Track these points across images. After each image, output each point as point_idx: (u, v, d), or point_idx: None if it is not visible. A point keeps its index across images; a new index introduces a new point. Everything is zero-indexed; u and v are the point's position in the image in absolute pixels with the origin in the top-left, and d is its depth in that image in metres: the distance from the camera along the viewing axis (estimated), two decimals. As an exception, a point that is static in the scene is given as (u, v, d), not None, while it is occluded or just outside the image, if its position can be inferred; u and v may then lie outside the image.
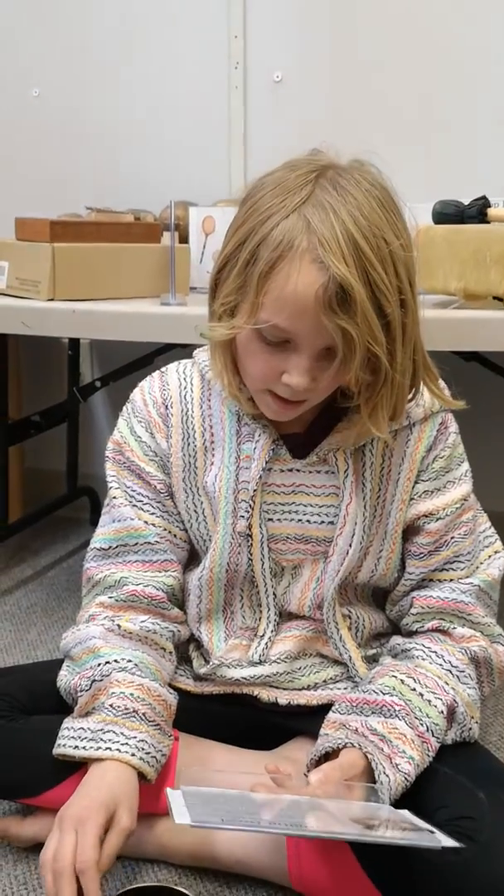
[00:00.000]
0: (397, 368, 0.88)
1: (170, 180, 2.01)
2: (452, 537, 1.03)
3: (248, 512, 1.02)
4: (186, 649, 1.13)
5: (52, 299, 1.47)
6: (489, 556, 1.07)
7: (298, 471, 1.02)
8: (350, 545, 1.01)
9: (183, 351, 1.60)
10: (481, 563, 1.06)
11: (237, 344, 0.93)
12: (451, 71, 1.83)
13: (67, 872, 0.83)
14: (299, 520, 1.03)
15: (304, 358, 0.88)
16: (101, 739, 0.93)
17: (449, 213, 1.38)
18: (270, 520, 1.03)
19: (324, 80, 1.92)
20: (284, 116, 1.96)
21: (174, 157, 2.06)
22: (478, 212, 1.35)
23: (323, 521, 1.02)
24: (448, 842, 0.78)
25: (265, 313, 0.87)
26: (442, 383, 0.98)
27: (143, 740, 0.94)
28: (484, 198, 1.37)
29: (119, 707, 0.95)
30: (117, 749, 0.92)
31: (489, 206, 1.36)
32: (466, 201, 1.38)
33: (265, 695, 1.06)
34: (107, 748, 0.92)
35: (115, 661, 0.99)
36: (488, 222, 1.35)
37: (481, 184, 1.52)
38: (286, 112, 1.96)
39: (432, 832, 0.80)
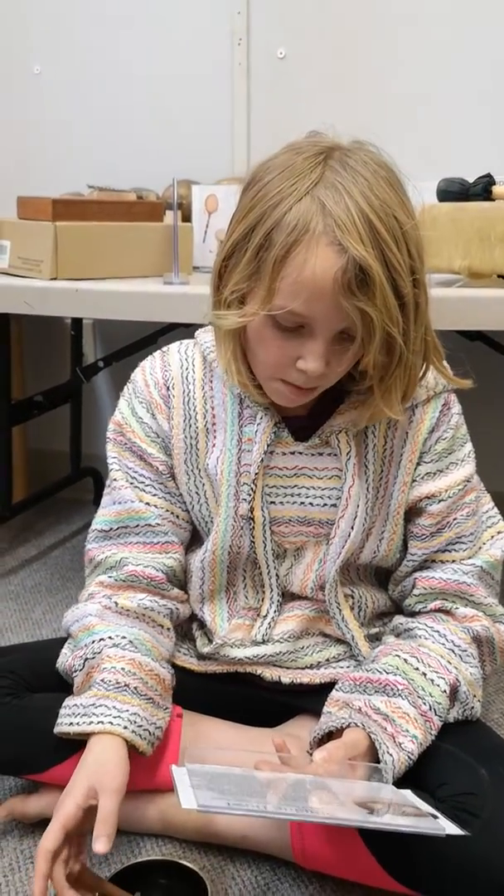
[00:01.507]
0: (411, 348, 0.88)
1: (172, 158, 1.99)
2: (455, 519, 1.03)
3: (250, 495, 1.02)
4: (190, 628, 1.14)
5: (54, 278, 1.47)
6: (492, 537, 1.07)
7: (301, 453, 1.02)
8: (352, 527, 1.01)
9: (186, 330, 1.60)
10: (484, 544, 1.06)
11: (248, 332, 0.92)
12: (456, 47, 1.81)
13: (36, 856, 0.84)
14: (301, 503, 1.02)
15: (319, 343, 0.87)
16: (94, 714, 0.94)
17: (453, 191, 1.36)
18: (272, 503, 1.03)
19: (328, 56, 1.90)
20: (288, 93, 1.94)
21: (177, 134, 2.04)
22: (483, 189, 1.34)
23: (325, 504, 1.02)
24: (452, 829, 0.78)
25: (281, 299, 0.85)
26: (445, 363, 0.97)
27: (135, 713, 0.94)
28: (489, 175, 1.36)
29: (110, 681, 0.96)
30: (109, 722, 0.93)
31: (494, 184, 1.35)
32: (471, 179, 1.37)
33: (268, 674, 1.06)
34: (98, 721, 0.93)
35: (109, 637, 0.99)
36: (493, 200, 1.33)
37: (487, 161, 1.51)
38: (290, 89, 1.94)
39: (436, 817, 0.81)
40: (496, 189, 1.34)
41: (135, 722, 0.94)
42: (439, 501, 1.02)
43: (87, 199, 1.69)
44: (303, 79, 1.93)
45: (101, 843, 0.81)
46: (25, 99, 2.18)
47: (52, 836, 0.83)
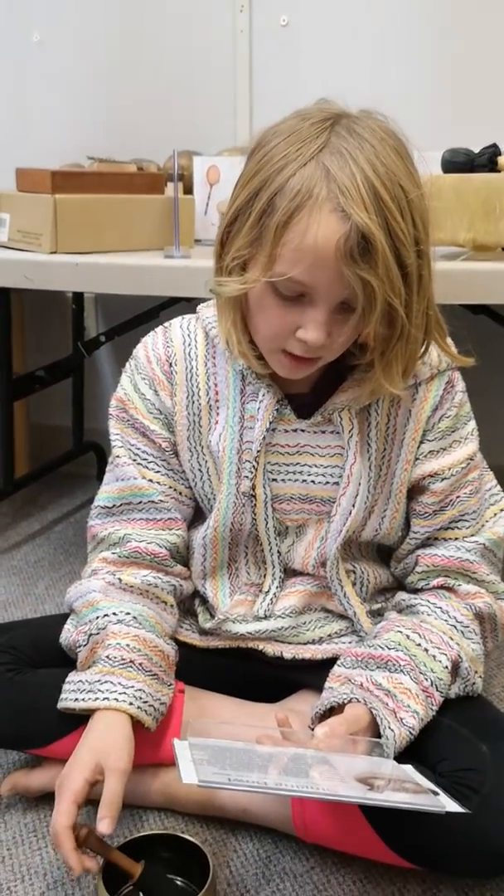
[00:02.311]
0: (413, 322, 0.86)
1: (173, 129, 1.97)
2: (458, 497, 1.02)
3: (252, 472, 1.01)
4: (192, 604, 1.14)
5: (54, 252, 1.45)
6: (495, 514, 1.06)
7: (303, 431, 1.01)
8: (353, 506, 1.00)
9: (188, 305, 1.59)
10: (486, 521, 1.06)
11: (248, 300, 0.91)
12: (462, 15, 1.78)
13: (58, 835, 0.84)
14: (303, 480, 1.02)
15: (320, 312, 0.86)
16: (99, 690, 0.94)
17: (458, 162, 1.34)
18: (274, 480, 1.02)
19: (331, 23, 1.87)
20: (291, 61, 1.91)
21: (178, 104, 2.01)
22: (488, 160, 1.32)
23: (327, 482, 1.01)
24: (452, 806, 0.79)
25: (282, 265, 0.84)
26: (449, 340, 0.96)
27: (140, 689, 0.95)
28: (494, 146, 1.34)
29: (115, 658, 0.96)
30: (115, 699, 0.93)
31: (500, 154, 1.33)
32: (476, 149, 1.35)
33: (270, 649, 1.06)
34: (104, 698, 0.93)
35: (114, 613, 0.99)
36: (499, 171, 1.31)
37: (492, 131, 1.48)
38: (293, 57, 1.91)
39: (436, 793, 0.81)
40: (502, 160, 1.32)
41: (140, 698, 0.94)
42: (442, 480, 1.01)
43: (87, 170, 1.67)
44: (306, 46, 1.90)
45: (105, 824, 0.83)
46: (24, 68, 2.15)
47: (66, 813, 0.84)
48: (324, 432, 1.00)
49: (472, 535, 1.04)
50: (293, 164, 0.83)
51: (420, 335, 0.90)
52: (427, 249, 0.86)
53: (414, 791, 0.81)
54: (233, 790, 0.90)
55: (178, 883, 0.92)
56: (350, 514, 1.00)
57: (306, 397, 1.00)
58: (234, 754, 0.83)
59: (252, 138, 0.90)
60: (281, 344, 0.91)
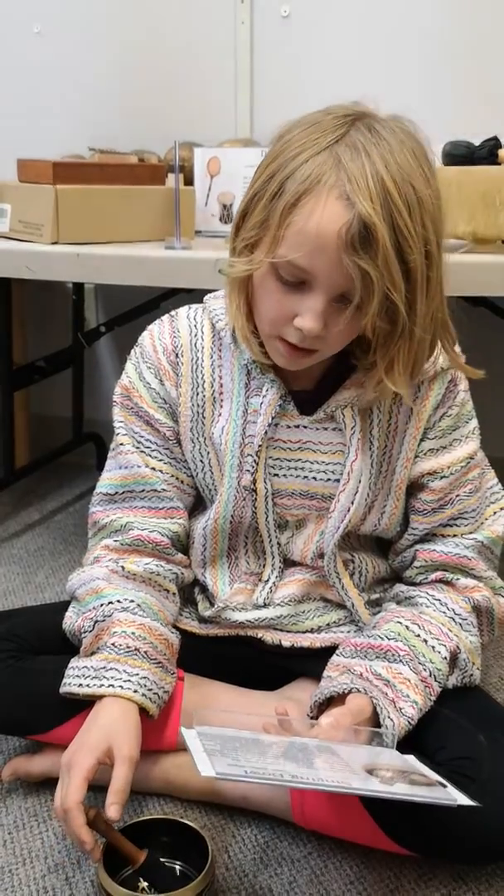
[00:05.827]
0: (417, 321, 0.86)
1: (174, 120, 1.97)
2: (458, 495, 1.03)
3: (254, 467, 1.01)
4: (192, 592, 1.14)
5: (55, 243, 1.46)
6: (494, 513, 1.07)
7: (305, 427, 1.01)
8: (352, 503, 1.00)
9: (188, 296, 1.59)
10: (486, 519, 1.06)
11: (253, 283, 0.92)
12: (462, 6, 1.77)
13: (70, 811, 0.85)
14: (304, 476, 1.02)
15: (318, 300, 0.87)
16: (104, 677, 0.95)
17: (459, 154, 1.35)
18: (276, 475, 1.03)
19: (333, 14, 1.86)
20: (292, 53, 1.91)
21: (179, 95, 2.01)
22: (489, 153, 1.32)
23: (329, 479, 1.02)
24: (463, 799, 0.79)
25: (284, 248, 0.85)
26: (457, 348, 0.96)
27: (144, 677, 0.96)
28: (495, 138, 1.34)
29: (121, 646, 0.97)
30: (119, 686, 0.94)
31: (500, 147, 1.33)
32: (477, 142, 1.35)
33: (269, 637, 1.07)
34: (109, 685, 0.94)
35: (118, 601, 1.00)
36: (499, 164, 1.32)
37: (493, 124, 1.49)
38: (294, 48, 1.90)
39: (444, 785, 0.81)
40: (502, 153, 1.32)
41: (144, 685, 0.95)
42: (441, 478, 1.02)
43: (88, 161, 1.67)
44: (307, 37, 1.89)
45: (114, 810, 0.84)
46: (25, 59, 2.15)
47: (78, 790, 0.85)
48: (326, 429, 1.01)
49: (471, 533, 1.04)
50: (307, 151, 0.84)
51: (427, 337, 0.89)
52: (437, 253, 0.86)
53: (423, 783, 0.81)
54: (249, 783, 0.90)
55: (177, 867, 0.93)
56: (349, 510, 1.01)
57: (310, 394, 1.01)
58: (243, 744, 0.83)
59: (279, 126, 0.91)
60: (278, 331, 0.91)
